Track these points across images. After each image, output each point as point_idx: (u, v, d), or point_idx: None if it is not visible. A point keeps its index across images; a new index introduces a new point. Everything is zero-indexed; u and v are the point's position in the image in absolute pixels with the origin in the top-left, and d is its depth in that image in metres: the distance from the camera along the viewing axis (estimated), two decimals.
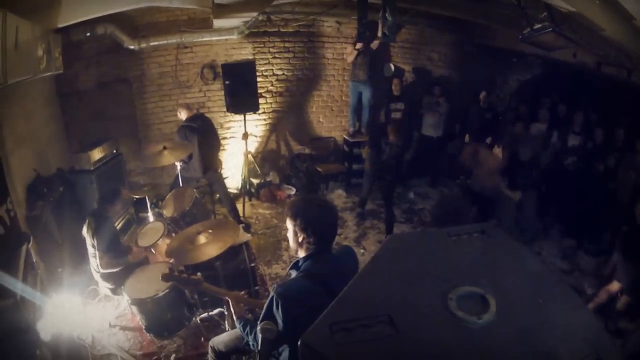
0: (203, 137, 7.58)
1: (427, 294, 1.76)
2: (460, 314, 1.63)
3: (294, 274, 3.13)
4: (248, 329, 3.37)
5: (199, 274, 4.14)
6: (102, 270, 5.46)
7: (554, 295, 1.88)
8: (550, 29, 5.58)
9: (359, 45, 9.45)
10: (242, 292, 3.94)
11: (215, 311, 5.36)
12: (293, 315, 2.77)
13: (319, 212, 3.11)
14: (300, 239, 3.05)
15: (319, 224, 3.05)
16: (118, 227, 7.04)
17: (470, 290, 1.74)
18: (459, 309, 1.65)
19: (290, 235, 3.15)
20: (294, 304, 2.81)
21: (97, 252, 5.41)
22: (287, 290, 2.89)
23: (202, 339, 5.39)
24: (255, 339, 3.20)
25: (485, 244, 2.11)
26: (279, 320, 2.81)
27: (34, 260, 5.10)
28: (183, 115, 7.73)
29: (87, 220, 5.49)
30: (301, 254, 3.12)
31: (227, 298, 3.91)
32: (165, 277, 4.00)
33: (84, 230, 5.49)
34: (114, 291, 5.62)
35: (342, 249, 3.59)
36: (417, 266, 1.95)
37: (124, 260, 5.62)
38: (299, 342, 1.65)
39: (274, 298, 2.84)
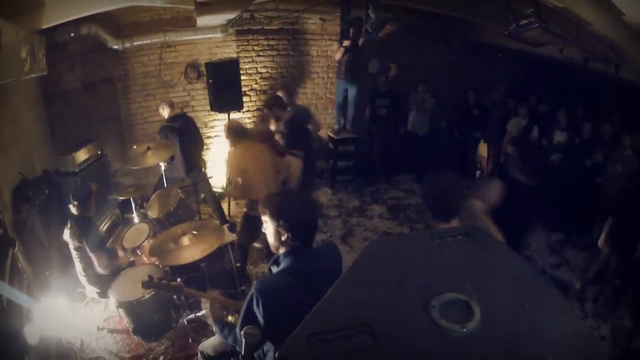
0: (185, 137, 7.57)
1: (410, 301, 1.71)
2: (443, 323, 1.58)
3: (274, 269, 3.10)
4: (226, 331, 3.36)
5: (179, 279, 4.12)
6: (102, 272, 5.39)
7: (542, 300, 1.82)
8: (537, 25, 5.59)
9: (346, 43, 9.39)
10: (218, 292, 3.93)
11: (202, 312, 5.31)
12: (274, 311, 2.72)
13: (301, 209, 3.07)
14: (283, 239, 3.00)
15: (302, 222, 3.03)
16: (104, 229, 7.00)
17: (453, 297, 1.69)
18: (441, 317, 1.59)
19: (270, 233, 3.07)
20: (274, 300, 2.76)
21: (92, 255, 5.33)
22: (267, 287, 2.85)
23: (190, 340, 5.35)
24: (235, 341, 3.19)
25: (471, 247, 2.05)
26: (260, 318, 2.76)
27: (20, 266, 5.06)
28: (165, 112, 7.74)
29: (68, 225, 5.40)
30: (282, 250, 3.07)
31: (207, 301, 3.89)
32: (145, 285, 3.97)
33: (66, 235, 5.40)
34: (101, 294, 5.56)
35: (324, 244, 3.56)
36: (399, 272, 1.90)
37: (118, 261, 5.63)
38: (276, 354, 1.63)
39: (254, 295, 2.80)
